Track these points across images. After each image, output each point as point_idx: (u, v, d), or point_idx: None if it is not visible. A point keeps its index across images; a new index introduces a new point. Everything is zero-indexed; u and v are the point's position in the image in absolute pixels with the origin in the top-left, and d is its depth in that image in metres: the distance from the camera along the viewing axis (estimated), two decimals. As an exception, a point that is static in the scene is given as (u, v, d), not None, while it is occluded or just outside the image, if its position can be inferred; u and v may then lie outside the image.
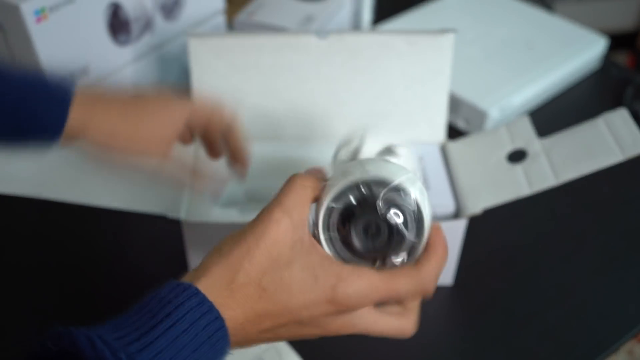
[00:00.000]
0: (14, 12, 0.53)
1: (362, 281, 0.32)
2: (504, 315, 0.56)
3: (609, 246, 0.62)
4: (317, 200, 0.35)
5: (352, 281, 0.32)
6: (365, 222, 0.33)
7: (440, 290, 0.57)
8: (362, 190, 0.33)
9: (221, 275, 0.32)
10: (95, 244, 0.62)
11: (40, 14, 0.54)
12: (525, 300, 0.57)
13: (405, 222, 0.33)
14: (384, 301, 0.33)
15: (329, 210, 0.34)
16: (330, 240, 0.34)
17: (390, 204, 0.33)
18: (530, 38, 0.81)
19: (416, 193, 0.33)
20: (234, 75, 0.57)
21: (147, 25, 0.65)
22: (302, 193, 0.34)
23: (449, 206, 0.52)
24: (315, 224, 0.34)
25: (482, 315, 0.56)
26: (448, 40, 0.56)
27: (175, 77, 0.71)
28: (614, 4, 1.79)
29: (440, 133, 0.58)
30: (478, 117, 0.71)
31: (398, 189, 0.33)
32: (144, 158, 0.45)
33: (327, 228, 0.34)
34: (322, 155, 0.50)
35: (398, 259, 0.34)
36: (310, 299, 0.32)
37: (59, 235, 0.62)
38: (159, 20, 0.66)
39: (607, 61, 0.84)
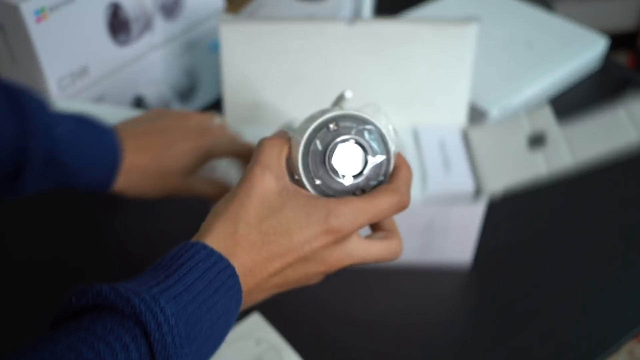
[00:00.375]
0: (14, 12, 0.53)
1: (350, 207, 0.36)
2: (505, 315, 0.56)
3: (609, 246, 0.62)
4: (288, 155, 0.38)
5: (341, 209, 0.35)
6: (339, 154, 0.36)
7: (440, 290, 0.57)
8: (330, 127, 0.36)
9: (223, 229, 0.35)
10: (97, 244, 0.62)
11: (40, 14, 0.54)
12: (526, 300, 0.57)
13: (371, 147, 0.37)
14: (372, 221, 0.37)
15: (305, 154, 0.36)
16: (312, 181, 0.37)
17: (357, 132, 0.36)
18: (530, 38, 0.81)
19: (379, 120, 0.37)
20: (262, 60, 0.59)
21: (147, 25, 0.65)
22: (274, 150, 0.37)
23: (469, 186, 0.54)
24: (296, 171, 0.37)
25: (482, 315, 0.56)
26: (472, 29, 0.57)
27: (176, 77, 0.71)
28: (614, 4, 1.79)
29: (462, 116, 0.60)
30: (478, 116, 0.71)
31: (361, 120, 0.37)
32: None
33: (307, 171, 0.37)
34: None
35: (373, 184, 0.37)
36: (308, 233, 0.35)
37: (60, 234, 0.62)
38: (158, 20, 0.66)
39: (607, 61, 0.84)
